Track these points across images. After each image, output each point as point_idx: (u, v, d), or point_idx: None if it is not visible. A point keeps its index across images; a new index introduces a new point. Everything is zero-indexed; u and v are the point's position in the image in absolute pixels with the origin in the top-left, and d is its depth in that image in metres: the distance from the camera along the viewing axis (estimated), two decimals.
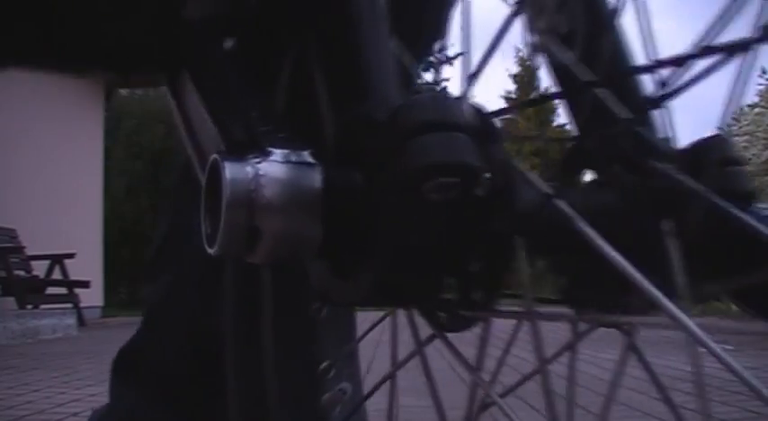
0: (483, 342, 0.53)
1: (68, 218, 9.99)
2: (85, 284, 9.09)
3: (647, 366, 0.55)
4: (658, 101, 0.51)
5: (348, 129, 0.49)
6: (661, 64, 0.49)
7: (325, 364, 0.69)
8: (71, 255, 8.98)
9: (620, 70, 0.61)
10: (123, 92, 14.07)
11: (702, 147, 0.53)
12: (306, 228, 0.46)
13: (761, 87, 19.47)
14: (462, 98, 0.46)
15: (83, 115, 10.88)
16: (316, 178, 0.47)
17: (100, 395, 3.16)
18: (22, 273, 8.62)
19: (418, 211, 0.43)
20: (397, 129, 0.44)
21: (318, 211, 0.46)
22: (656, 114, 0.56)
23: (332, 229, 0.46)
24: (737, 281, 0.51)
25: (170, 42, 0.67)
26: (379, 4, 0.56)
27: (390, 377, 0.61)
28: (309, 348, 0.71)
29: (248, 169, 0.46)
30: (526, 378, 0.56)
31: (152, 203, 14.29)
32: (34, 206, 9.19)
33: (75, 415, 2.69)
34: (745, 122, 18.72)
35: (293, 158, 0.47)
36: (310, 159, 0.48)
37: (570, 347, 0.55)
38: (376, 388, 0.63)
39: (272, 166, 0.47)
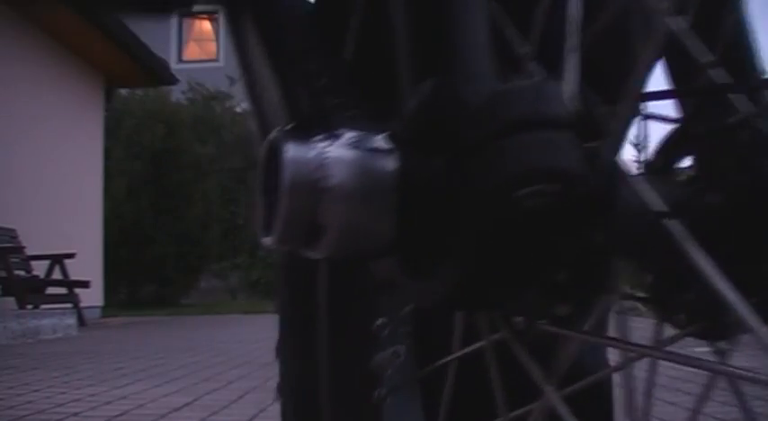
0: (563, 360, 0.46)
1: (68, 218, 9.99)
2: (85, 284, 9.09)
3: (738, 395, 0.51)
4: None
5: (431, 107, 0.43)
6: None
7: (380, 321, 0.63)
8: (71, 255, 8.98)
9: (739, 50, 0.53)
10: (123, 92, 14.07)
11: None
12: (376, 220, 0.42)
13: None
14: (569, 86, 0.40)
15: (83, 115, 10.87)
16: (389, 165, 0.42)
17: (100, 395, 3.16)
18: (22, 272, 8.62)
19: (508, 217, 0.38)
20: (493, 121, 0.39)
21: (391, 203, 0.41)
22: None
23: (406, 224, 0.42)
24: None
25: None
26: None
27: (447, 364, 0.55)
28: (366, 365, 0.64)
29: (314, 151, 0.42)
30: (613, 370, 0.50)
31: (152, 203, 14.29)
32: (34, 206, 9.18)
33: (75, 415, 2.68)
34: None
35: (366, 143, 0.42)
36: (385, 144, 0.42)
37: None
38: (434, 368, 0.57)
39: (342, 150, 0.42)
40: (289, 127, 0.45)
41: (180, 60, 19.19)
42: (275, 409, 2.53)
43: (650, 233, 0.39)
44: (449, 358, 0.57)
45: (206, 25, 20.42)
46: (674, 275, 0.46)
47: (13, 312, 7.17)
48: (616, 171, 0.39)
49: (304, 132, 0.43)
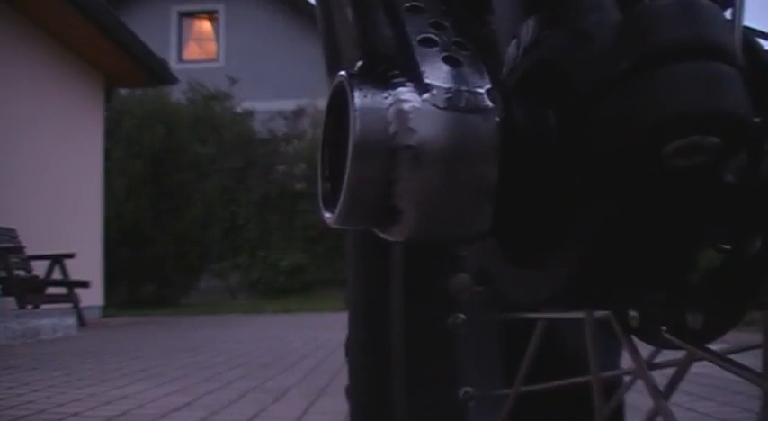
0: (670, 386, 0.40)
1: (68, 218, 9.98)
2: (85, 284, 9.09)
3: None
4: None
5: (543, 45, 0.34)
6: None
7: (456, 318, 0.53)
8: (71, 255, 8.98)
9: None
10: (123, 91, 14.06)
11: None
12: (471, 194, 0.31)
13: None
14: (728, 9, 0.30)
15: (83, 115, 10.87)
16: (491, 124, 0.31)
17: (100, 395, 3.16)
18: (22, 272, 8.61)
19: (651, 182, 0.28)
20: (627, 53, 0.28)
21: (491, 171, 0.31)
22: None
23: (510, 199, 0.32)
24: None
25: None
26: None
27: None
28: (444, 365, 0.55)
29: (391, 100, 0.32)
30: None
31: (152, 203, 14.28)
32: (34, 206, 9.18)
33: (75, 415, 2.68)
34: None
35: (459, 94, 0.32)
36: (487, 102, 0.32)
37: None
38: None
39: (425, 102, 0.31)
40: (361, 65, 0.34)
41: (180, 60, 19.18)
42: (275, 409, 2.52)
43: None
44: (536, 315, 0.48)
45: (206, 25, 20.41)
46: None
47: (13, 312, 7.16)
48: None
49: (381, 73, 0.33)
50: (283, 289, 15.72)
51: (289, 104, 17.33)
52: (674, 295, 0.33)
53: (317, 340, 6.17)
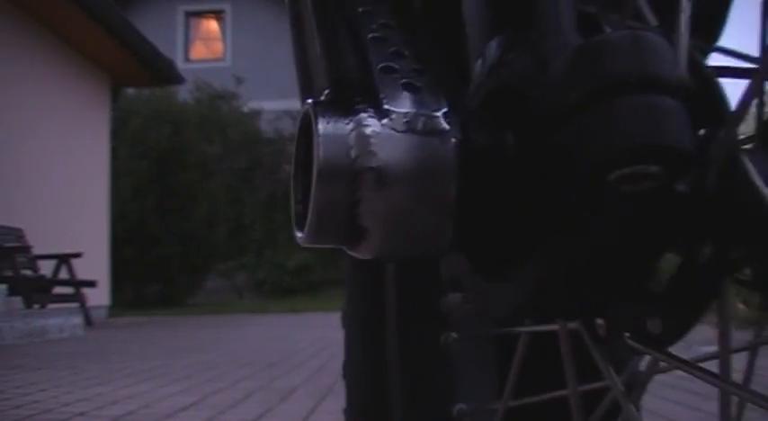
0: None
1: (75, 217, 10.01)
2: (92, 284, 9.10)
3: None
4: None
5: (505, 67, 0.35)
6: None
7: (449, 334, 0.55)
8: (78, 255, 8.99)
9: None
10: (130, 91, 14.09)
11: None
12: (431, 213, 0.33)
13: None
14: (676, 41, 0.31)
15: (89, 115, 10.89)
16: (447, 146, 0.33)
17: (106, 394, 3.17)
18: (28, 272, 8.63)
19: (599, 205, 0.30)
20: (578, 85, 0.30)
21: (449, 192, 0.33)
22: None
23: (471, 216, 0.34)
24: None
25: None
26: None
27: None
28: (439, 381, 0.57)
29: (354, 126, 0.34)
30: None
31: (158, 203, 14.30)
32: (41, 206, 9.20)
33: (81, 414, 2.69)
34: None
35: (419, 119, 0.34)
36: (443, 124, 0.34)
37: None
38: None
39: (386, 127, 0.33)
40: (327, 93, 0.37)
41: (186, 60, 19.21)
42: (281, 409, 2.52)
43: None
44: (521, 329, 0.49)
45: (213, 25, 20.44)
46: None
47: (20, 312, 7.18)
48: (736, 161, 0.30)
49: (345, 101, 0.35)
50: (289, 288, 15.73)
51: (296, 104, 17.10)
52: (633, 302, 0.34)
53: (323, 340, 6.17)
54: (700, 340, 0.47)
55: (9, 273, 8.12)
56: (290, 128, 17.64)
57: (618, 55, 0.30)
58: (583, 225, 0.31)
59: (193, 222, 14.64)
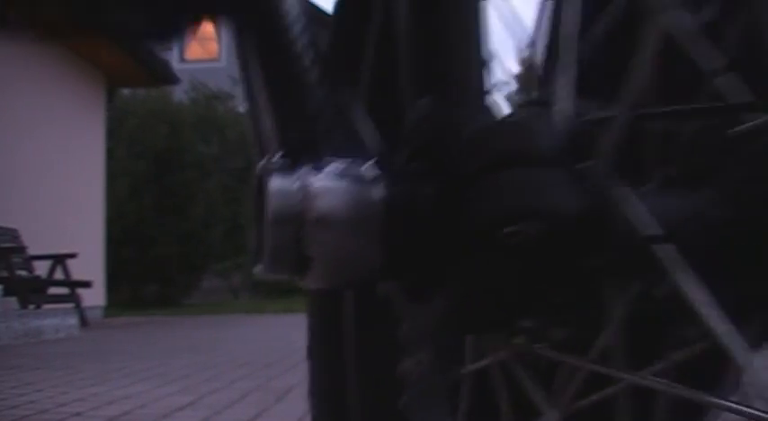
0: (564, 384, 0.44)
1: (70, 217, 9.99)
2: (87, 284, 9.09)
3: None
4: None
5: (423, 132, 0.43)
6: None
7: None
8: (73, 255, 8.98)
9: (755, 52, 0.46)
10: (126, 91, 14.07)
11: None
12: (363, 249, 0.41)
13: None
14: (563, 103, 0.39)
15: (85, 115, 10.88)
16: (376, 194, 0.42)
17: (102, 394, 3.16)
18: (24, 273, 8.62)
19: (494, 253, 0.38)
20: (483, 154, 0.38)
21: (378, 230, 0.41)
22: None
23: (396, 251, 0.41)
24: None
25: None
26: None
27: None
28: (393, 375, 0.63)
29: (299, 182, 0.42)
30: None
31: (155, 203, 14.29)
32: (36, 206, 9.18)
33: (77, 414, 2.68)
34: None
35: (352, 172, 0.42)
36: (371, 173, 0.42)
37: None
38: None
39: (327, 180, 0.42)
40: (276, 157, 0.46)
41: (182, 60, 19.19)
42: (278, 409, 2.51)
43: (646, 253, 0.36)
44: (462, 371, 0.57)
45: (208, 25, 20.40)
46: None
47: (16, 312, 7.17)
48: (608, 193, 0.37)
49: (291, 162, 0.44)
50: (286, 289, 15.72)
51: None
52: (542, 318, 0.42)
53: None
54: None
55: (4, 274, 8.11)
56: None
57: (505, 136, 0.39)
58: (482, 265, 0.39)
59: (190, 222, 14.62)
